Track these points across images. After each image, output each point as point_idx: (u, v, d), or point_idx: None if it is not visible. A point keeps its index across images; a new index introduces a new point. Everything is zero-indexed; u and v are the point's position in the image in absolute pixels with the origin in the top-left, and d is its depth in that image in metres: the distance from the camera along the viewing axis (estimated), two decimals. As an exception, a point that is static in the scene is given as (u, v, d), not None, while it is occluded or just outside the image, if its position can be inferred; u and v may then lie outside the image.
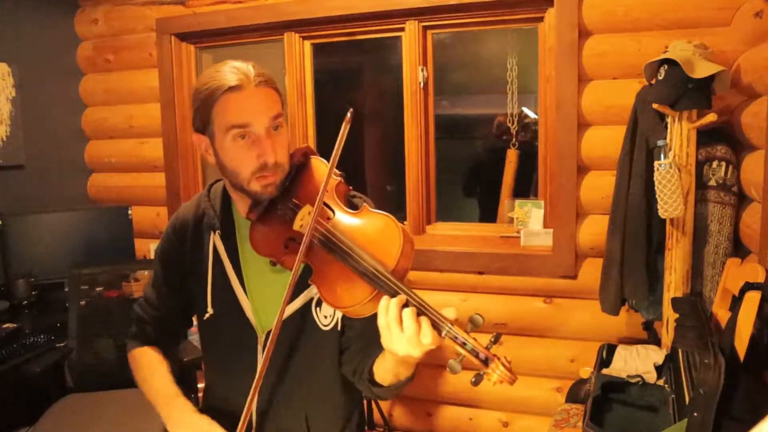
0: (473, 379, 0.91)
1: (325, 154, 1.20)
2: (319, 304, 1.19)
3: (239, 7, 2.80)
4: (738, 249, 1.96)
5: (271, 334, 1.04)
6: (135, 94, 3.09)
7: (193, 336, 2.44)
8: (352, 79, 3.68)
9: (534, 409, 2.51)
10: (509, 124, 2.79)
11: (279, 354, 1.20)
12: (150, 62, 3.02)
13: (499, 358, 0.90)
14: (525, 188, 2.85)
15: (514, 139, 2.81)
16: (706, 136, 1.95)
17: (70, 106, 3.17)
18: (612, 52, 2.23)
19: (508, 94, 2.76)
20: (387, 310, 0.94)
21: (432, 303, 0.95)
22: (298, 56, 2.81)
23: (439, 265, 2.54)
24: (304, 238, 1.03)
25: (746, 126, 1.89)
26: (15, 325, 2.37)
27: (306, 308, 1.19)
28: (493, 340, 0.93)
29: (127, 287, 2.56)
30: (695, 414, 1.35)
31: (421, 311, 0.93)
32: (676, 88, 1.85)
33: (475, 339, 0.91)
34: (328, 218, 1.08)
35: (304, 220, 1.09)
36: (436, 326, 0.92)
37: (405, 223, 2.72)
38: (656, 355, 1.97)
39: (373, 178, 3.74)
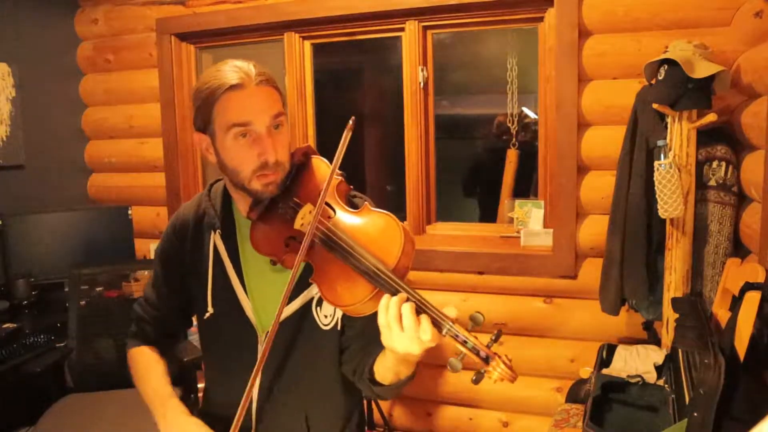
0: (474, 378, 0.91)
1: (325, 154, 1.21)
2: (319, 303, 1.19)
3: (239, 7, 2.80)
4: (738, 249, 1.96)
5: (269, 333, 1.05)
6: (135, 94, 3.09)
7: (193, 336, 2.44)
8: (352, 79, 3.68)
9: (534, 409, 2.51)
10: (509, 124, 2.79)
11: (279, 353, 1.20)
12: (150, 62, 3.02)
13: (500, 356, 0.90)
14: (525, 188, 2.85)
15: (514, 139, 2.81)
16: (706, 136, 1.95)
17: (70, 106, 3.17)
18: (612, 52, 2.23)
19: (508, 94, 2.76)
20: (387, 308, 0.94)
21: (432, 303, 0.95)
22: (298, 56, 2.81)
23: (439, 265, 2.55)
24: (306, 236, 1.03)
25: (746, 126, 1.89)
26: (15, 325, 2.37)
27: (306, 308, 1.19)
28: (493, 338, 0.93)
29: (127, 287, 2.56)
30: (695, 414, 1.35)
31: (421, 309, 0.94)
32: (676, 88, 1.85)
33: (476, 337, 0.91)
34: (329, 217, 1.09)
35: (305, 219, 1.09)
36: (436, 324, 0.93)
37: (405, 222, 2.72)
38: (656, 355, 1.97)
39: (373, 178, 3.75)
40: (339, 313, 1.20)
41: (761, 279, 1.53)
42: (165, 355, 1.32)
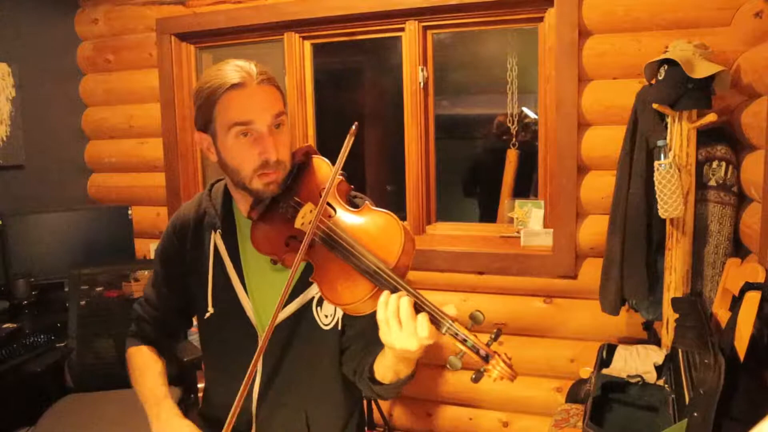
0: (474, 376, 0.91)
1: (325, 154, 1.21)
2: (320, 303, 1.19)
3: (239, 7, 2.80)
4: (738, 249, 1.96)
5: (266, 332, 1.05)
6: (135, 94, 3.09)
7: (193, 336, 2.44)
8: (352, 79, 3.68)
9: (534, 409, 2.51)
10: (509, 124, 2.79)
11: (279, 353, 1.20)
12: (150, 62, 3.02)
13: (499, 355, 0.90)
14: (525, 188, 2.85)
15: (514, 139, 2.81)
16: (706, 136, 1.95)
17: (70, 106, 3.17)
18: (612, 52, 2.23)
19: (508, 94, 2.76)
20: (386, 305, 0.94)
21: (432, 302, 0.95)
22: (298, 56, 2.82)
23: (439, 265, 2.55)
24: (306, 235, 1.03)
25: (746, 126, 1.90)
26: (15, 325, 2.36)
27: (307, 307, 1.19)
28: (493, 336, 0.93)
29: (127, 287, 2.56)
30: (695, 414, 1.35)
31: (421, 307, 0.94)
32: (676, 88, 1.85)
33: (475, 336, 0.91)
34: (330, 216, 1.09)
35: (305, 218, 1.09)
36: (436, 323, 0.93)
37: (405, 222, 2.72)
38: (656, 355, 1.97)
39: (374, 177, 3.75)
40: (339, 313, 1.20)
41: (761, 279, 1.53)
42: (164, 355, 1.32)
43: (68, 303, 2.43)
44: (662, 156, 1.88)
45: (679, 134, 1.91)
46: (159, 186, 3.09)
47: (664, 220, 1.97)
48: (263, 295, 1.20)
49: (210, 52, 3.09)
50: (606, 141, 2.27)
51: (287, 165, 1.13)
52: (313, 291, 1.19)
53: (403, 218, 2.74)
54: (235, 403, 1.05)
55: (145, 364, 1.27)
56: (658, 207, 1.90)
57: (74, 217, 2.82)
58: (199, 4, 2.89)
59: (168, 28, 2.94)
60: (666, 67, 1.90)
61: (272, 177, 1.10)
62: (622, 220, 2.05)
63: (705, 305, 1.91)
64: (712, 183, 1.95)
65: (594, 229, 2.33)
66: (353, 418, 1.31)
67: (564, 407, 2.11)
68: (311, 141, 2.88)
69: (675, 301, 1.92)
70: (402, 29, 2.61)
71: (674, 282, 1.98)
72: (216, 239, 1.23)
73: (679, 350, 1.70)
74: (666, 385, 1.79)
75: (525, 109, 2.82)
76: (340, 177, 1.14)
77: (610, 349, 2.10)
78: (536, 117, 2.65)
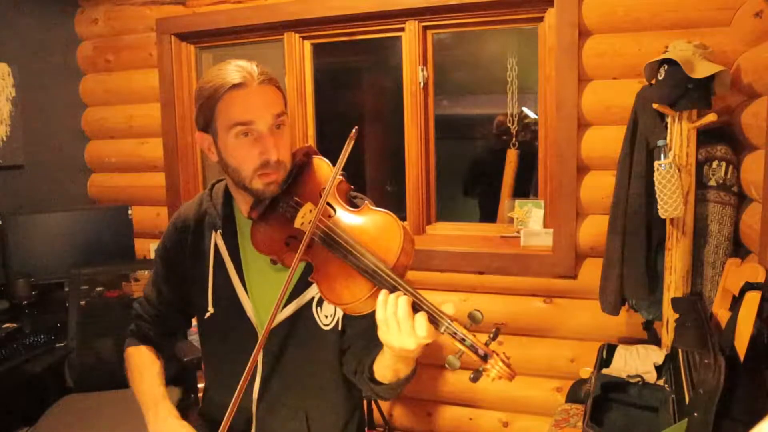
0: (472, 376, 0.91)
1: (325, 154, 1.21)
2: (319, 303, 1.20)
3: (239, 7, 2.80)
4: (738, 249, 1.96)
5: (264, 331, 1.05)
6: (135, 94, 3.09)
7: (193, 336, 2.45)
8: (352, 79, 3.68)
9: (534, 409, 2.51)
10: (509, 124, 2.79)
11: (279, 353, 1.20)
12: (150, 62, 3.02)
13: (498, 354, 0.90)
14: (525, 188, 2.85)
15: (514, 139, 2.81)
16: (706, 136, 1.95)
17: (70, 106, 3.17)
18: (612, 52, 2.23)
19: (508, 94, 2.76)
20: (385, 304, 0.94)
21: (432, 303, 0.95)
22: (298, 56, 2.82)
23: (439, 265, 2.55)
24: (306, 235, 1.04)
25: (746, 126, 1.90)
26: (15, 325, 2.36)
27: (306, 307, 1.19)
28: (492, 336, 0.93)
29: (127, 287, 2.57)
30: (695, 414, 1.35)
31: (419, 306, 0.94)
32: (676, 88, 1.85)
33: (474, 335, 0.91)
34: (329, 216, 1.09)
35: (305, 217, 1.10)
36: (434, 322, 0.93)
37: (405, 222, 2.72)
38: (656, 355, 1.97)
39: (374, 177, 3.75)
40: (339, 313, 1.21)
41: (761, 279, 1.53)
42: (163, 355, 1.32)
43: (68, 303, 2.43)
44: (662, 156, 1.88)
45: (679, 134, 1.91)
46: (159, 186, 3.09)
47: (664, 220, 1.97)
48: (263, 295, 1.20)
49: (210, 52, 3.09)
50: (606, 141, 2.27)
51: (287, 165, 1.13)
52: (313, 291, 1.19)
53: (403, 218, 2.74)
54: (233, 400, 1.05)
55: (144, 364, 1.27)
56: (658, 207, 1.90)
57: (74, 217, 2.82)
58: (199, 4, 2.89)
59: (168, 28, 2.94)
60: (666, 67, 1.90)
61: (272, 177, 1.11)
62: (622, 220, 2.05)
63: (705, 305, 1.90)
64: (712, 183, 1.95)
65: (594, 229, 2.33)
66: (354, 419, 1.31)
67: (564, 407, 2.11)
68: (311, 141, 2.88)
69: (675, 301, 1.92)
70: (402, 29, 2.61)
71: (674, 282, 1.98)
72: (216, 239, 1.23)
73: (679, 350, 1.70)
74: (666, 385, 1.79)
75: (525, 109, 2.82)
76: (340, 177, 1.14)
77: (610, 349, 2.10)
78: (536, 117, 2.65)
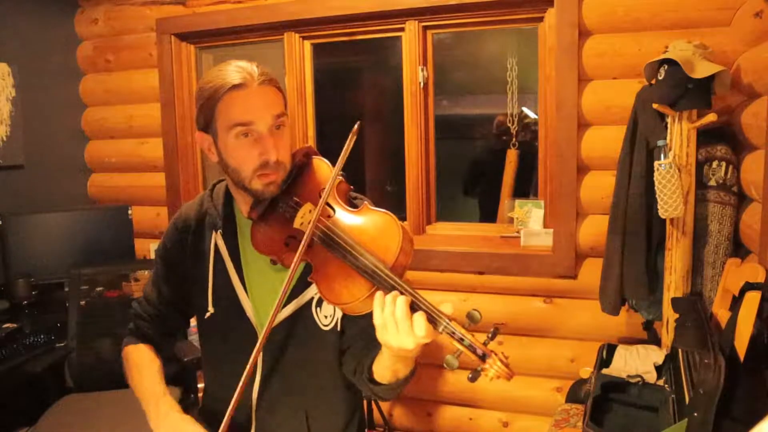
0: (470, 375, 0.91)
1: (325, 154, 1.21)
2: (319, 303, 1.20)
3: (239, 7, 2.80)
4: (738, 249, 1.96)
5: (264, 331, 1.05)
6: (135, 94, 3.09)
7: (193, 336, 2.45)
8: (352, 79, 3.68)
9: (534, 409, 2.51)
10: (509, 124, 2.79)
11: (279, 353, 1.20)
12: (150, 62, 3.02)
13: (496, 354, 0.90)
14: (525, 188, 2.85)
15: (514, 139, 2.81)
16: (706, 136, 1.95)
17: (70, 106, 3.17)
18: (612, 52, 2.23)
19: (508, 94, 2.76)
20: (383, 304, 0.94)
21: (431, 302, 0.95)
22: (298, 56, 2.82)
23: (439, 265, 2.55)
24: (306, 235, 1.04)
25: (746, 126, 1.90)
26: (15, 325, 2.36)
27: (306, 308, 1.19)
28: (490, 336, 0.93)
29: (127, 287, 2.57)
30: (695, 414, 1.35)
31: (417, 306, 0.94)
32: (676, 88, 1.85)
33: (472, 335, 0.91)
34: (329, 216, 1.09)
35: (304, 218, 1.10)
36: (433, 321, 0.93)
37: (405, 222, 2.72)
38: (656, 355, 1.97)
39: (374, 177, 3.75)
40: (339, 314, 1.21)
41: (761, 279, 1.53)
42: (161, 355, 1.32)
43: (68, 303, 2.43)
44: (662, 156, 1.88)
45: (679, 134, 1.91)
46: (159, 186, 3.09)
47: (664, 220, 1.97)
48: (263, 296, 1.20)
49: (210, 52, 3.09)
50: (606, 141, 2.27)
51: (287, 166, 1.13)
52: (312, 291, 1.19)
53: (403, 218, 2.74)
54: (233, 400, 1.05)
55: (143, 362, 1.27)
56: (658, 207, 1.90)
57: (74, 217, 2.82)
58: (199, 4, 2.89)
59: (168, 28, 2.94)
60: (666, 67, 1.90)
61: (272, 177, 1.11)
62: (622, 220, 2.06)
63: (705, 305, 1.91)
64: (712, 183, 1.95)
65: (594, 229, 2.33)
66: (354, 419, 1.31)
67: (564, 407, 2.11)
68: (311, 141, 2.88)
69: (675, 301, 1.92)
70: (402, 29, 2.61)
71: (674, 282, 1.98)
72: (217, 239, 1.23)
73: (679, 350, 1.70)
74: (666, 385, 1.79)
75: (525, 109, 2.82)
76: (340, 177, 1.14)
77: (610, 349, 2.10)
78: (536, 117, 2.65)
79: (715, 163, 1.94)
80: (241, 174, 1.12)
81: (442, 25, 2.57)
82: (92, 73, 3.19)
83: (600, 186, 2.30)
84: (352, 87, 3.74)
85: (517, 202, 2.59)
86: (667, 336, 1.99)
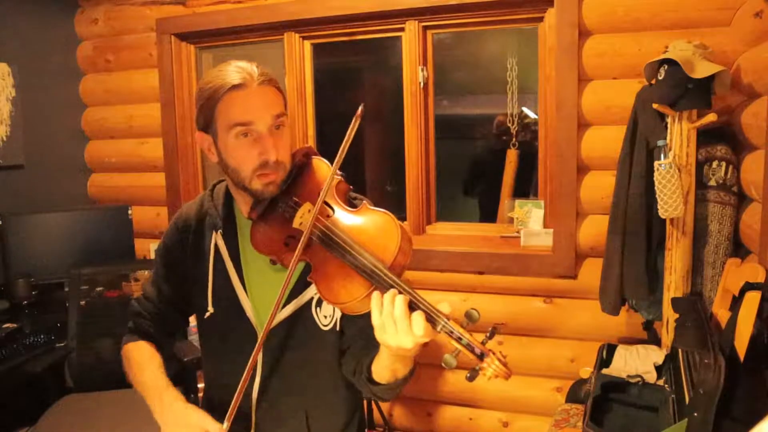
0: (468, 375, 0.91)
1: (325, 154, 1.21)
2: (319, 303, 1.20)
3: (239, 7, 2.80)
4: (738, 249, 1.96)
5: (263, 331, 1.05)
6: (135, 94, 3.09)
7: (193, 336, 2.45)
8: (352, 79, 3.68)
9: (534, 409, 2.51)
10: (509, 124, 2.79)
11: (278, 353, 1.20)
12: (150, 62, 3.02)
13: (494, 353, 0.90)
14: (525, 188, 2.85)
15: (514, 139, 2.81)
16: (706, 136, 1.95)
17: (70, 106, 3.17)
18: (612, 52, 2.23)
19: (508, 94, 2.76)
20: (382, 303, 0.94)
21: (431, 302, 0.95)
22: (298, 56, 2.82)
23: (439, 265, 2.55)
24: (304, 234, 1.04)
25: (746, 126, 1.90)
26: (15, 325, 2.36)
27: (306, 308, 1.19)
28: (488, 335, 0.93)
29: (127, 287, 2.57)
30: (695, 414, 1.35)
31: (416, 305, 0.94)
32: (676, 88, 1.85)
33: (470, 334, 0.91)
34: (328, 215, 1.09)
35: (303, 217, 1.10)
36: (431, 320, 0.93)
37: (405, 222, 2.72)
38: (656, 355, 1.97)
39: (374, 177, 3.75)
40: (338, 314, 1.21)
41: (761, 279, 1.53)
42: (162, 353, 1.31)
43: (68, 303, 2.43)
44: (662, 156, 1.88)
45: (679, 134, 1.91)
46: (159, 186, 3.09)
47: (664, 220, 1.97)
48: (263, 296, 1.20)
49: (210, 52, 3.09)
50: (606, 141, 2.27)
51: (287, 166, 1.13)
52: (312, 291, 1.19)
53: (403, 218, 2.74)
54: (233, 400, 1.05)
55: (144, 358, 1.26)
56: (658, 207, 1.90)
57: (74, 217, 2.82)
58: (199, 4, 2.89)
59: (168, 28, 2.94)
60: (666, 67, 1.90)
61: (271, 177, 1.11)
62: (622, 220, 2.06)
63: (705, 305, 1.91)
64: (712, 183, 1.95)
65: (594, 229, 2.33)
66: (354, 419, 1.31)
67: (564, 407, 2.11)
68: (311, 141, 2.88)
69: (675, 301, 1.92)
70: (402, 29, 2.61)
71: (674, 282, 1.98)
72: (217, 239, 1.24)
73: (679, 350, 1.70)
74: (666, 385, 1.79)
75: (525, 109, 2.82)
76: (339, 177, 1.14)
77: (610, 349, 2.10)
78: (536, 117, 2.65)
79: (715, 163, 1.94)
80: (240, 174, 1.12)
81: (442, 25, 2.57)
82: (92, 73, 3.19)
83: (600, 186, 2.30)
84: (352, 87, 3.73)
85: (517, 202, 2.59)
86: (667, 336, 1.99)
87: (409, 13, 2.54)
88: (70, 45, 3.16)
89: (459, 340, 0.91)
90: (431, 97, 2.65)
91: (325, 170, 1.17)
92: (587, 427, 1.65)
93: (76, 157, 3.23)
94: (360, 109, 1.04)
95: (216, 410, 1.24)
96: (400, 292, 0.94)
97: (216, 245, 1.23)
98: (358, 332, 1.19)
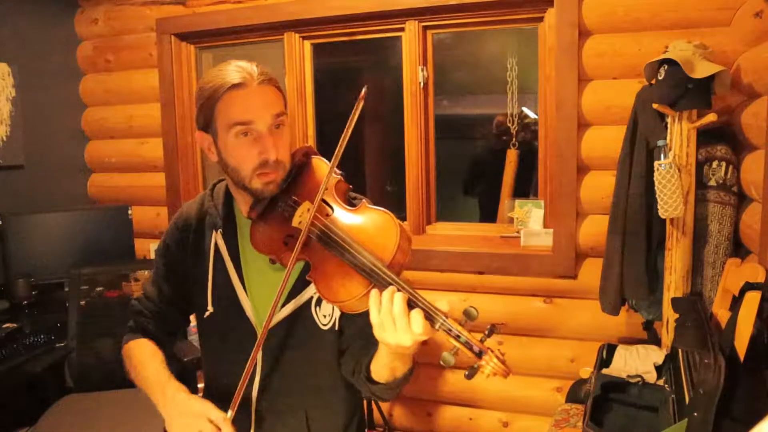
0: (467, 373, 0.91)
1: (325, 154, 1.21)
2: (318, 303, 1.20)
3: (239, 7, 2.80)
4: (738, 249, 1.96)
5: (262, 330, 1.05)
6: (135, 94, 3.09)
7: (193, 336, 2.45)
8: (352, 79, 3.68)
9: (534, 409, 2.51)
10: (509, 124, 2.79)
11: (278, 352, 1.20)
12: (150, 62, 3.03)
13: (492, 351, 0.90)
14: (525, 188, 2.85)
15: (514, 139, 2.81)
16: (706, 136, 1.95)
17: (70, 106, 3.17)
18: (612, 52, 2.23)
19: (508, 94, 2.76)
20: (380, 301, 0.94)
21: (427, 299, 0.95)
22: (298, 56, 2.82)
23: (439, 265, 2.55)
24: (302, 232, 1.04)
25: (746, 126, 1.90)
26: (15, 325, 2.36)
27: (305, 307, 1.19)
28: (487, 333, 0.93)
29: (127, 287, 2.57)
30: (695, 414, 1.35)
31: (414, 303, 0.94)
32: (676, 88, 1.85)
33: (469, 332, 0.91)
34: (327, 214, 1.09)
35: (302, 216, 1.10)
36: (430, 318, 0.93)
37: (405, 222, 2.72)
38: (656, 355, 1.97)
39: (373, 177, 3.75)
40: (337, 313, 1.21)
41: (761, 279, 1.53)
42: (163, 351, 1.31)
43: (68, 303, 2.43)
44: (662, 156, 1.88)
45: (679, 134, 1.91)
46: (159, 186, 3.09)
47: (664, 220, 1.97)
48: (263, 295, 1.20)
49: (210, 52, 3.09)
50: (606, 141, 2.27)
51: (286, 165, 1.13)
52: (311, 291, 1.19)
53: (403, 218, 2.74)
54: (234, 400, 1.05)
55: (146, 355, 1.25)
56: (658, 207, 1.90)
57: (74, 217, 2.82)
58: (199, 4, 2.89)
59: (168, 28, 2.95)
60: (666, 67, 1.90)
61: (271, 177, 1.11)
62: (622, 220, 2.05)
63: (705, 305, 1.90)
64: (712, 183, 1.95)
65: (594, 229, 2.33)
66: (354, 418, 1.31)
67: (564, 407, 2.11)
68: (311, 141, 2.88)
69: (675, 301, 1.92)
70: (402, 29, 2.61)
71: (674, 282, 1.98)
72: (217, 239, 1.24)
73: (679, 350, 1.70)
74: (666, 385, 1.79)
75: (525, 109, 2.82)
76: (339, 176, 1.14)
77: (610, 349, 2.10)
78: (536, 117, 2.65)
79: (715, 163, 1.94)
80: (240, 173, 1.12)
81: (442, 25, 2.57)
82: (92, 73, 3.19)
83: (600, 186, 2.30)
84: (352, 87, 3.73)
85: (517, 202, 2.59)
86: (667, 336, 1.99)
87: (409, 13, 2.54)
88: (70, 45, 3.16)
89: (457, 337, 0.91)
90: (431, 97, 2.65)
91: (324, 169, 1.17)
92: (587, 427, 1.65)
93: (76, 157, 3.23)
94: (363, 90, 1.04)
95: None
96: (398, 290, 0.94)
97: (216, 244, 1.23)
98: (357, 332, 1.19)
